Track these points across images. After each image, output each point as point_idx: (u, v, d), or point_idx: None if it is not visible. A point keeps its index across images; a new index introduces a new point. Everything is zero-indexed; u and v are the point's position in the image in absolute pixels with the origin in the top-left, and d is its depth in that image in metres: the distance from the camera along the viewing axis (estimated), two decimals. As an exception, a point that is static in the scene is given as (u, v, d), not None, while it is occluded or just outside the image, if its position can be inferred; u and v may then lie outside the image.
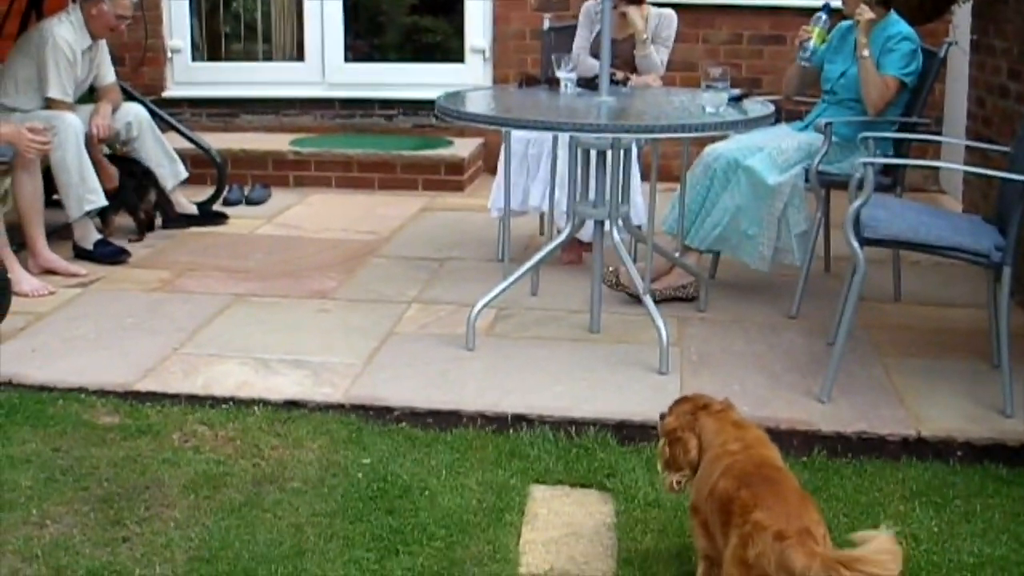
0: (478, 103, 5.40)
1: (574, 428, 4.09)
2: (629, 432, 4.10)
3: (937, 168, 7.79)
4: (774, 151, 5.32)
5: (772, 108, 4.91)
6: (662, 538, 3.46)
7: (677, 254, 5.41)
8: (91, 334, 4.99)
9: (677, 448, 3.15)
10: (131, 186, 6.52)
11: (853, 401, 4.36)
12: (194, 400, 4.34)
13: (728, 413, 3.22)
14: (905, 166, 5.42)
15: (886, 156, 5.23)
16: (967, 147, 6.52)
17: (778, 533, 2.67)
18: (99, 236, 6.17)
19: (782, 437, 4.04)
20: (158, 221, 6.78)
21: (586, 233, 5.53)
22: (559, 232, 5.38)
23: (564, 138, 5.27)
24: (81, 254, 6.09)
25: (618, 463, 3.88)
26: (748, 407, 4.22)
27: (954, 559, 3.37)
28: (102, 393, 4.37)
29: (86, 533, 3.43)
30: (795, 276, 5.39)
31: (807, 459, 3.96)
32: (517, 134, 5.77)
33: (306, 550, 3.35)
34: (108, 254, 6.10)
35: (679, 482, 3.16)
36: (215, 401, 4.33)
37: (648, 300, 4.77)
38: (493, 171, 6.45)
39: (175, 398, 4.35)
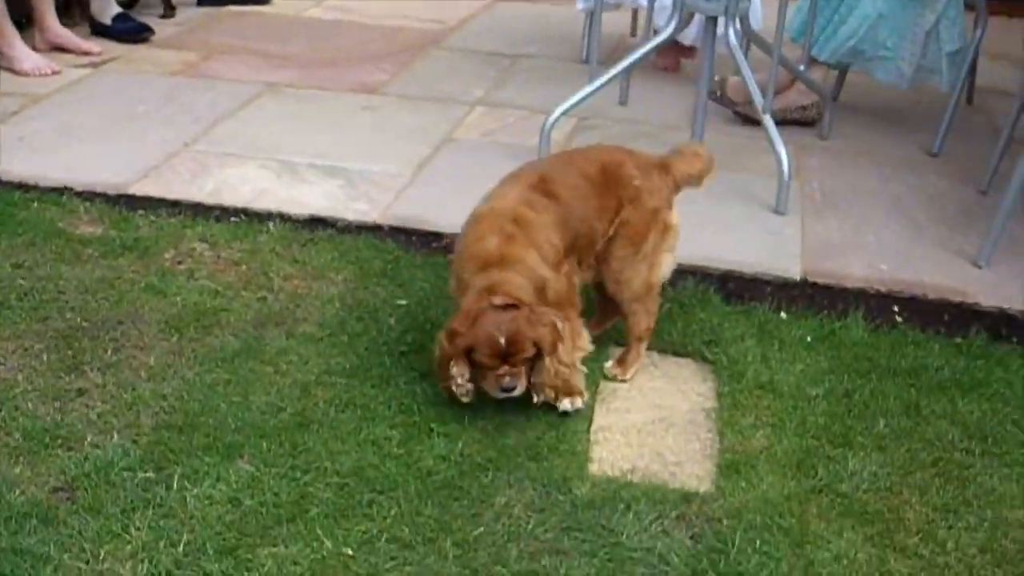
0: None
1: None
2: (738, 287, 3.35)
3: None
4: (930, -51, 4.37)
5: None
6: (776, 437, 2.68)
7: (801, 67, 4.47)
8: (91, 123, 4.28)
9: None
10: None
11: (1017, 269, 3.56)
12: (198, 210, 3.61)
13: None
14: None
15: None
16: None
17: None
18: (119, 10, 5.45)
19: (930, 309, 3.32)
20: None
21: (688, 36, 4.87)
22: (656, 33, 4.48)
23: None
24: (98, 30, 5.42)
25: (722, 327, 3.10)
26: (886, 265, 3.49)
27: None
28: (89, 195, 3.65)
29: (33, 381, 2.70)
30: (931, 104, 4.60)
31: (962, 340, 3.15)
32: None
33: (311, 422, 2.60)
34: (128, 30, 5.40)
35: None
36: (223, 212, 3.60)
37: (768, 120, 3.91)
38: (583, -41, 5.53)
39: (175, 206, 3.62)
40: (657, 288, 2.90)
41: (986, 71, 5.03)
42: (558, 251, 2.70)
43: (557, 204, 2.73)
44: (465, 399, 2.60)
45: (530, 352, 2.56)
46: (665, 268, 2.92)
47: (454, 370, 2.57)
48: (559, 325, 2.60)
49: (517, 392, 2.58)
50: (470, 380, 2.59)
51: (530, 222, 2.67)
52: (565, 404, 2.66)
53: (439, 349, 2.59)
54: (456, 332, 2.56)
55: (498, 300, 2.54)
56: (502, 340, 2.52)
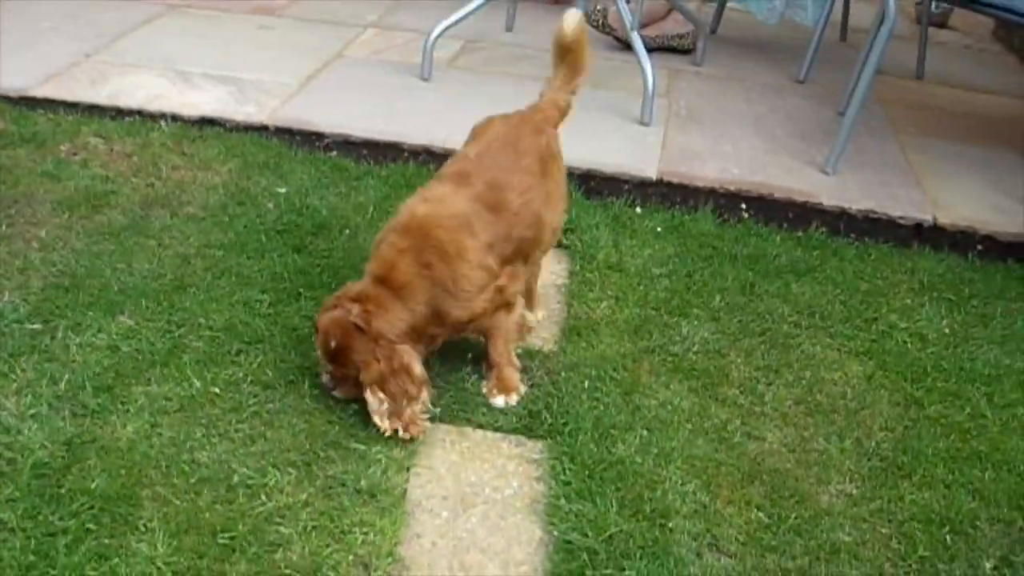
0: None
1: (533, 175, 3.47)
2: (598, 184, 3.56)
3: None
4: None
5: None
6: (619, 308, 2.91)
7: (676, -4, 4.72)
8: (-4, 36, 4.33)
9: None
10: None
11: (862, 177, 3.79)
12: (95, 111, 3.73)
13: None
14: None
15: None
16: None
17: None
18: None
19: (776, 207, 3.53)
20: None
21: (576, -34, 4.87)
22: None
23: None
24: (7, -50, 5.36)
25: (580, 218, 3.30)
26: (739, 170, 3.69)
27: (967, 367, 2.83)
28: (-9, 98, 3.75)
29: (-74, 246, 2.85)
30: (806, 39, 4.76)
31: (802, 234, 3.39)
32: None
33: (189, 285, 2.79)
34: (37, -48, 5.36)
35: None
36: (119, 113, 3.73)
37: (635, 37, 4.10)
38: None
39: (73, 107, 3.74)
40: None
41: (862, 13, 5.28)
42: (491, 273, 2.44)
43: (502, 217, 2.48)
44: None
45: (353, 373, 2.37)
46: None
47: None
48: (403, 363, 2.34)
49: (336, 393, 2.44)
50: None
51: (457, 252, 2.40)
52: (498, 401, 2.50)
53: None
54: (322, 308, 2.44)
55: (353, 311, 2.35)
56: (332, 345, 2.37)
